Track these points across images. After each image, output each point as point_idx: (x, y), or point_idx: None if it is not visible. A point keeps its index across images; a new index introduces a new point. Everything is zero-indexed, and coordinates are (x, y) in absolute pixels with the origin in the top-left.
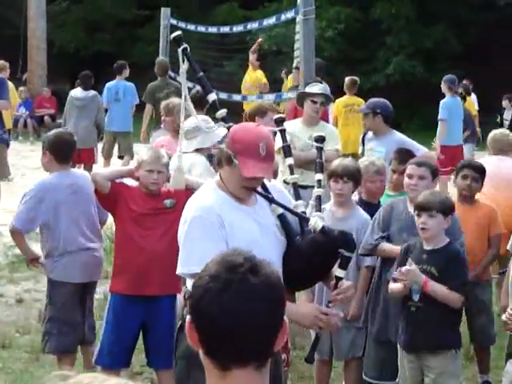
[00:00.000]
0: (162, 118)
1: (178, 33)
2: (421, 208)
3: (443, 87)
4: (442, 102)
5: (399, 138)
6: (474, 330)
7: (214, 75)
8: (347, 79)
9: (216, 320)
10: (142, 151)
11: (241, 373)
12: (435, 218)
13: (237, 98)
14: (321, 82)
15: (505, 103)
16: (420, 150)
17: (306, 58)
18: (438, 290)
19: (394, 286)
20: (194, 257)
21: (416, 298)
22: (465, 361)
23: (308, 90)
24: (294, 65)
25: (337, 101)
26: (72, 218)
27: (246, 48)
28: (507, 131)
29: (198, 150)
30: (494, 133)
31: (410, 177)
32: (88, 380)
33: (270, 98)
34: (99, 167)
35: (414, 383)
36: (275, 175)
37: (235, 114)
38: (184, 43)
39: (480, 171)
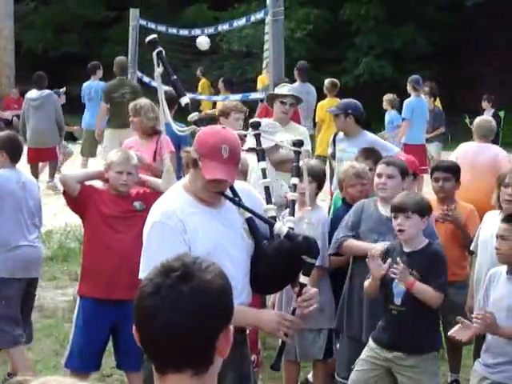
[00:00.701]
0: (130, 118)
1: (154, 36)
2: (397, 209)
3: (408, 87)
4: (406, 101)
5: (371, 138)
6: (448, 331)
7: (183, 76)
8: (327, 82)
9: (143, 323)
10: (111, 153)
11: (176, 378)
12: (411, 219)
13: (216, 98)
14: (290, 83)
15: (484, 104)
16: (392, 150)
17: (275, 59)
18: (423, 290)
19: (367, 283)
20: (154, 262)
21: (398, 301)
22: None
23: (277, 91)
24: (264, 65)
25: (320, 104)
26: (17, 213)
27: (215, 50)
28: (490, 118)
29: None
30: (479, 119)
31: (379, 176)
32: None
33: (236, 98)
34: (77, 166)
35: (376, 370)
36: (245, 176)
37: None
38: (159, 46)
39: (450, 170)
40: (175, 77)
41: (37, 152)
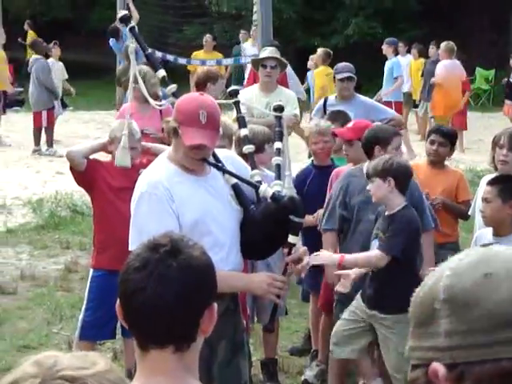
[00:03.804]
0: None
1: (125, 12)
2: (367, 176)
3: (388, 49)
4: (391, 61)
5: (365, 100)
6: None
7: (174, 40)
8: (321, 51)
9: (129, 297)
10: (114, 125)
11: (158, 355)
12: (374, 182)
13: (195, 62)
14: (277, 46)
15: None
16: (389, 113)
17: (263, 21)
18: (352, 259)
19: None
20: (144, 233)
21: None
22: None
23: (260, 55)
24: (253, 28)
25: (316, 71)
26: None
27: (205, 12)
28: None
29: None
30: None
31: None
32: None
33: (229, 62)
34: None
35: (361, 322)
36: (230, 140)
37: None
38: (132, 22)
39: (448, 136)
40: (150, 51)
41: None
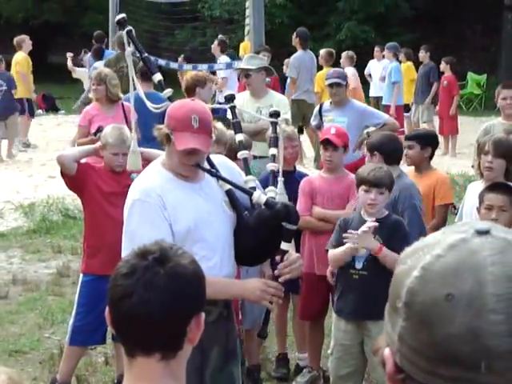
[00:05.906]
0: (94, 87)
1: (122, 15)
2: (372, 184)
3: (388, 53)
4: (391, 66)
5: (359, 106)
6: None
7: (166, 44)
8: (324, 51)
9: (117, 303)
10: (106, 131)
11: (144, 362)
12: (384, 194)
13: (188, 67)
14: (267, 50)
15: None
16: (382, 117)
17: (255, 26)
18: (390, 255)
19: (337, 251)
20: (136, 240)
21: (359, 265)
22: None
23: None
24: (246, 32)
25: (318, 74)
26: None
27: (197, 17)
28: None
29: None
30: None
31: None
32: None
33: (221, 67)
34: None
35: (353, 353)
36: (225, 146)
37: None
38: (128, 26)
39: (414, 138)
40: (146, 54)
41: None
